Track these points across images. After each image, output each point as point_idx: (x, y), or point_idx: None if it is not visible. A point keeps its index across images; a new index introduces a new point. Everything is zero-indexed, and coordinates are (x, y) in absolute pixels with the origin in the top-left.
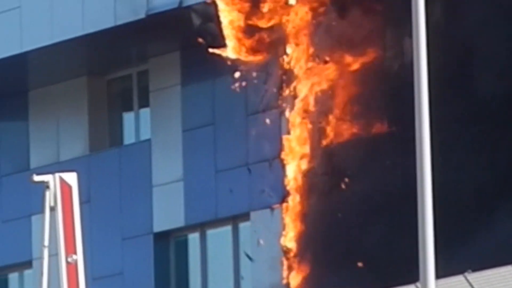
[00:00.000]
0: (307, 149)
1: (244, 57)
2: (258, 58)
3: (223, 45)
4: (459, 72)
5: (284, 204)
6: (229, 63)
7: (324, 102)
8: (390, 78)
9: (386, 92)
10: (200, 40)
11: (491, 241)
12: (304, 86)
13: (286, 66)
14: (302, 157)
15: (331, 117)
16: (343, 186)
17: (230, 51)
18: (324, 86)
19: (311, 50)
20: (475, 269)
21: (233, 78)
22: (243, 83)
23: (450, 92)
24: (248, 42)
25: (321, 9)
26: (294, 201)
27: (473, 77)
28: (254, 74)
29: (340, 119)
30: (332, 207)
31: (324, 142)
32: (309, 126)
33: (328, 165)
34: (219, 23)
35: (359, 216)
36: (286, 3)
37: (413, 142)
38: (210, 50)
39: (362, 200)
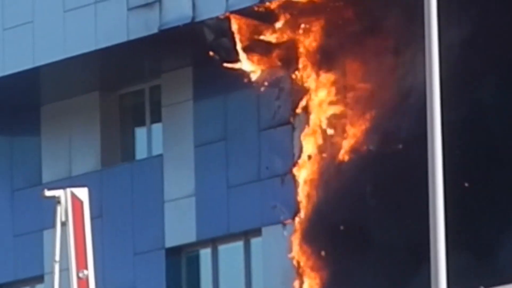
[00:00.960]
0: (319, 165)
1: (257, 72)
2: (271, 73)
3: (236, 60)
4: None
5: (296, 220)
6: (242, 78)
7: (337, 119)
8: (402, 96)
9: (398, 110)
10: (213, 54)
11: (505, 258)
12: (316, 102)
13: (299, 82)
14: (314, 173)
15: (343, 133)
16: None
17: (243, 66)
18: (336, 103)
19: (323, 67)
20: (487, 286)
21: (245, 93)
22: (257, 98)
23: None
24: (261, 58)
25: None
26: (305, 216)
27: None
28: (267, 89)
29: (353, 135)
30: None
31: (336, 159)
32: (321, 142)
33: (340, 181)
34: (232, 38)
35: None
36: (298, 20)
37: (425, 159)
38: (224, 64)
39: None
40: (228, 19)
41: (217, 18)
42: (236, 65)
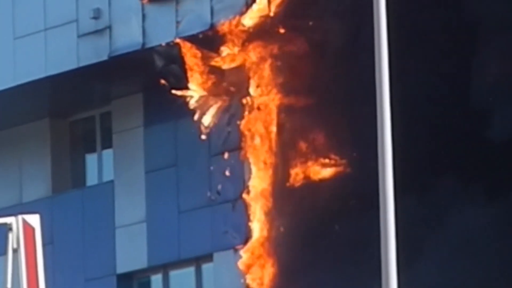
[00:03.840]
0: (270, 189)
1: (207, 98)
2: (221, 99)
3: (185, 87)
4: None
5: (247, 245)
6: (191, 105)
7: (288, 142)
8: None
9: (350, 131)
10: (163, 81)
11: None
12: (265, 128)
13: (249, 106)
14: (265, 198)
15: (295, 157)
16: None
17: (192, 92)
18: (287, 127)
19: (273, 90)
20: None
21: (195, 121)
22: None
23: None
24: (211, 84)
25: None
26: (257, 242)
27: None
28: (217, 115)
29: (305, 159)
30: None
31: (288, 183)
32: (272, 166)
33: (292, 205)
34: (182, 64)
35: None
36: (244, 45)
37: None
38: (173, 91)
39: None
40: (178, 46)
41: (167, 44)
42: (185, 92)
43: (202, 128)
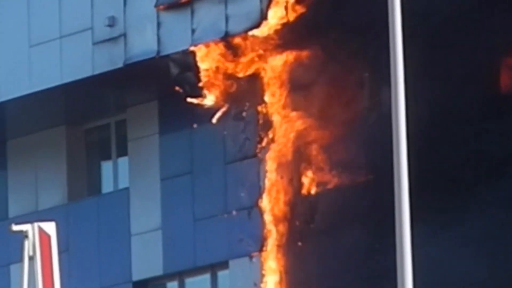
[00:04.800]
0: (285, 198)
1: (222, 105)
2: (236, 106)
3: (201, 94)
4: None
5: (263, 253)
6: (207, 112)
7: (302, 151)
8: (368, 128)
9: (365, 141)
10: (178, 89)
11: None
12: (281, 135)
13: (264, 115)
14: (280, 206)
15: (309, 166)
16: (321, 235)
17: (208, 100)
18: (302, 134)
19: (288, 99)
20: None
21: (211, 127)
22: (222, 131)
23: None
24: (226, 91)
25: (298, 61)
26: (272, 249)
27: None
28: (233, 122)
29: (318, 168)
30: (309, 256)
31: (303, 191)
32: (287, 174)
33: (307, 214)
34: (197, 72)
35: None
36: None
37: (391, 190)
38: (188, 99)
39: (339, 249)
40: (192, 54)
41: (182, 52)
42: (200, 101)
43: (218, 135)
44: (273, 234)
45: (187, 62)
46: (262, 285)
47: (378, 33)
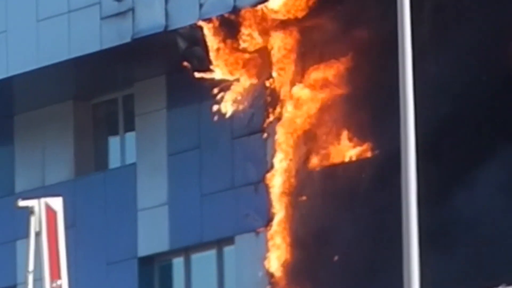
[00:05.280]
0: (293, 172)
1: (230, 80)
2: (244, 81)
3: (209, 69)
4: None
5: (269, 228)
6: (215, 86)
7: (310, 126)
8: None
9: (375, 115)
10: (186, 64)
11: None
12: (290, 110)
13: (272, 90)
14: (287, 179)
15: (317, 140)
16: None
17: (216, 74)
18: (311, 109)
19: (297, 74)
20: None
21: (217, 102)
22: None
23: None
24: (234, 65)
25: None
26: (279, 224)
27: None
28: (240, 97)
29: (327, 142)
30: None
31: (310, 165)
32: (295, 149)
33: (315, 188)
34: (205, 46)
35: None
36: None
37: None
38: (196, 74)
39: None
40: (200, 28)
41: (190, 26)
42: (208, 75)
43: (223, 111)
44: (279, 210)
45: (195, 36)
46: (265, 261)
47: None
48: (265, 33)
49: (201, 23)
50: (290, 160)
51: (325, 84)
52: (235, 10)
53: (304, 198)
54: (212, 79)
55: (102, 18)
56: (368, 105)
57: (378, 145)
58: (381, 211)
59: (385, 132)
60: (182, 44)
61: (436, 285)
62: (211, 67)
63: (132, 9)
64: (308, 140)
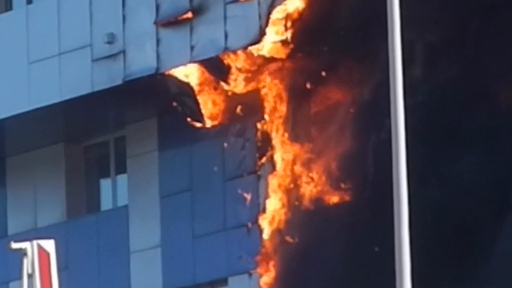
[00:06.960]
0: (284, 215)
1: (221, 122)
2: (235, 123)
3: (200, 119)
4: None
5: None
6: (206, 129)
7: (302, 168)
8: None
9: (366, 161)
10: (176, 105)
11: None
12: (281, 152)
13: (264, 132)
14: (279, 223)
15: (310, 183)
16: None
17: (206, 119)
18: (302, 152)
19: (288, 116)
20: None
21: (210, 143)
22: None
23: None
24: (225, 108)
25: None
26: (270, 265)
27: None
28: (232, 139)
29: (319, 185)
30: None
31: (302, 208)
32: (287, 192)
33: (306, 231)
34: (195, 96)
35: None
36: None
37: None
38: (188, 120)
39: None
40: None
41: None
42: (199, 124)
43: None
44: (270, 250)
45: (185, 88)
46: None
47: (377, 42)
48: (256, 74)
49: (190, 66)
50: (283, 202)
51: (315, 125)
52: (226, 52)
53: (293, 239)
54: (203, 127)
55: (93, 60)
56: (358, 148)
57: (368, 187)
58: (371, 254)
59: (375, 175)
60: (172, 86)
61: None
62: (202, 117)
63: (123, 52)
64: (300, 182)
